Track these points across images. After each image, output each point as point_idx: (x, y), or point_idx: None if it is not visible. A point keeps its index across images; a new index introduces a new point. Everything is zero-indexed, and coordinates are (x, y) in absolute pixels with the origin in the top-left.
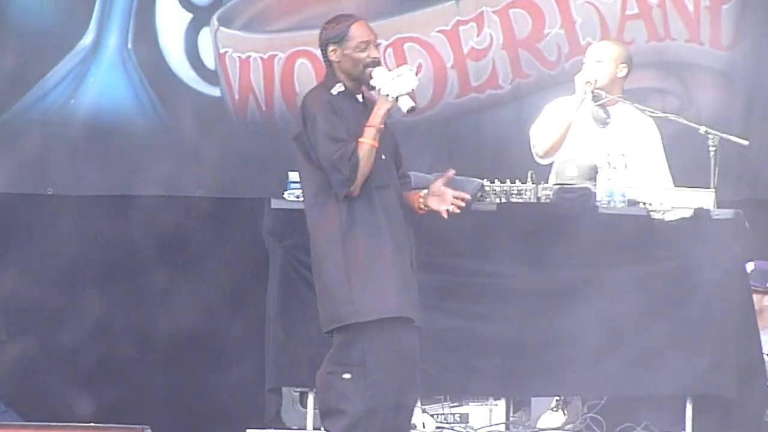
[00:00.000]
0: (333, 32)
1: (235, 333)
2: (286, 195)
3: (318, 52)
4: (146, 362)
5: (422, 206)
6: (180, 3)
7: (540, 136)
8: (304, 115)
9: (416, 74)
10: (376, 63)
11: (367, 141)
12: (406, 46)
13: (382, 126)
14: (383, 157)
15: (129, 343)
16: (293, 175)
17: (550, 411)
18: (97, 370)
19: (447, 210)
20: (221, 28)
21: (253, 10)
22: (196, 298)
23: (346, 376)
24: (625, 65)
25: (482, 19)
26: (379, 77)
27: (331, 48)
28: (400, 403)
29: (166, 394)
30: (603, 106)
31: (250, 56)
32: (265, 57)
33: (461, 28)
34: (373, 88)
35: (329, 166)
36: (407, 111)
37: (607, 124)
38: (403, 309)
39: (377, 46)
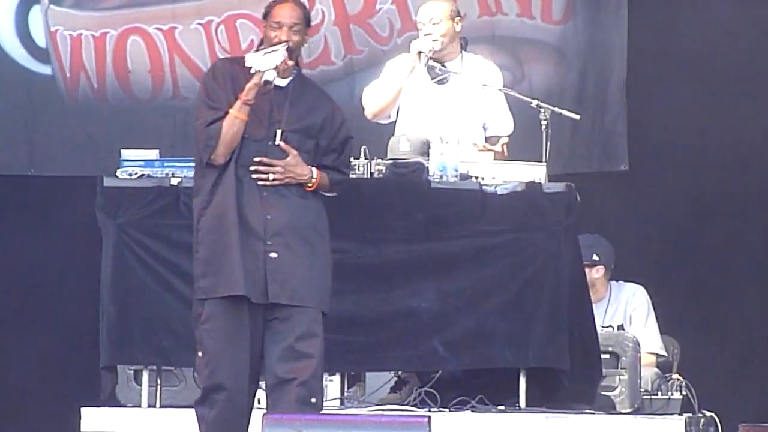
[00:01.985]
0: (265, 9)
1: (68, 311)
2: (118, 173)
3: (150, 29)
4: None
5: None
6: None
7: (371, 99)
8: None
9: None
10: (280, 44)
11: (232, 112)
12: (238, 22)
13: (251, 100)
14: (256, 139)
15: None
16: (126, 153)
17: (387, 386)
18: None
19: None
20: (52, 6)
21: None
22: (27, 274)
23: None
24: (459, 18)
25: None
26: (252, 55)
27: (263, 23)
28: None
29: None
30: (441, 65)
31: (81, 34)
32: (97, 35)
33: None
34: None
35: (197, 131)
36: (264, 83)
37: (445, 81)
38: (232, 288)
39: (296, 30)
